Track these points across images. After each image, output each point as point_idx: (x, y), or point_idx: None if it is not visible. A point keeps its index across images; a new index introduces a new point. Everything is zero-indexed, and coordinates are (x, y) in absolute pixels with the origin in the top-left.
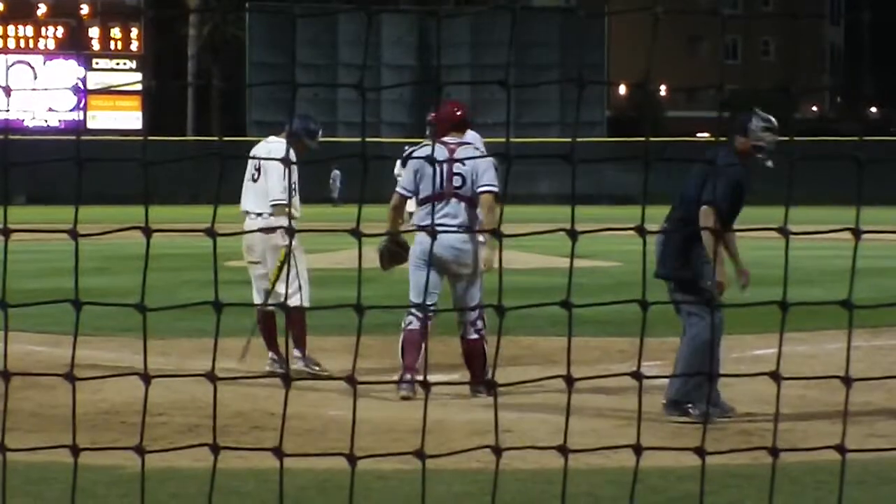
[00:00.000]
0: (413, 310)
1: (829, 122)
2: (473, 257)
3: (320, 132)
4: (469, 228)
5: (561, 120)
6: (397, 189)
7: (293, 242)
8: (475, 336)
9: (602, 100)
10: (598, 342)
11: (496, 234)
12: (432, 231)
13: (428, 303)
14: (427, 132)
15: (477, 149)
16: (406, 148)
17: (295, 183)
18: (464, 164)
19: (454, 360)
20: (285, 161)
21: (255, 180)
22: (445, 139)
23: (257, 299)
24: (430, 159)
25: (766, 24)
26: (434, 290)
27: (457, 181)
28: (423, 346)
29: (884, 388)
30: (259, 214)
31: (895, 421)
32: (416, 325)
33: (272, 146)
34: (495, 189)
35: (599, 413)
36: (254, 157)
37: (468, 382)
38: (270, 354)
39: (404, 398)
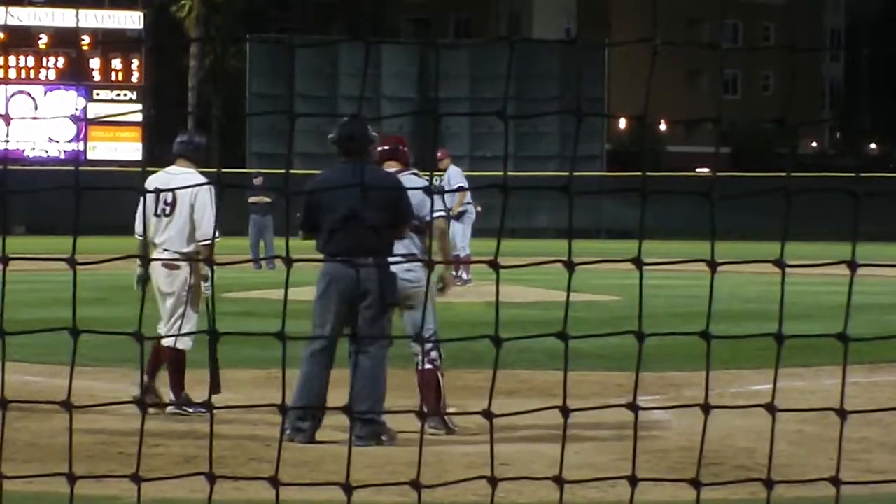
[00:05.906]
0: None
1: (828, 157)
2: (418, 287)
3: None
4: (415, 257)
5: (560, 153)
6: (443, 214)
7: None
8: (429, 366)
9: (601, 133)
10: (596, 376)
11: (494, 266)
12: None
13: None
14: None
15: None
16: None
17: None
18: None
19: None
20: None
21: (166, 214)
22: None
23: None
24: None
25: (766, 59)
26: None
27: None
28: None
29: (880, 425)
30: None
31: (892, 457)
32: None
33: (183, 177)
34: (444, 213)
35: (598, 449)
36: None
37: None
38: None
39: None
